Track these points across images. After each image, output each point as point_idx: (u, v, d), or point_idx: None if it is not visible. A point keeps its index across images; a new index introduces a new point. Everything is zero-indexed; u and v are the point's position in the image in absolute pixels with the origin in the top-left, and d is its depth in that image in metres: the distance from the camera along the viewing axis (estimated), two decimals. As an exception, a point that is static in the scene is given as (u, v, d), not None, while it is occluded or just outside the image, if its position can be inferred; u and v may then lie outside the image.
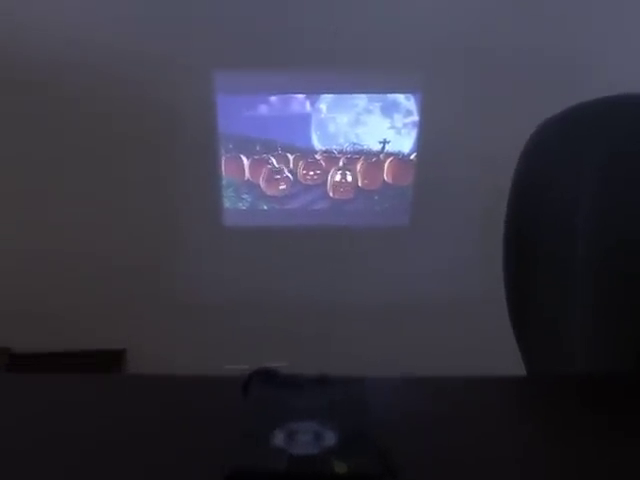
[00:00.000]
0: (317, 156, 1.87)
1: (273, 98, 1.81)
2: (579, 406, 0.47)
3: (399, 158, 1.89)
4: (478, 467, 0.40)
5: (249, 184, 1.88)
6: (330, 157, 1.87)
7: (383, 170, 1.90)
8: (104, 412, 0.46)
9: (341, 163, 1.88)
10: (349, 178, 1.90)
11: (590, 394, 0.50)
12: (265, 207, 1.91)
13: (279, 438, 0.35)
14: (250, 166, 1.86)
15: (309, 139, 1.85)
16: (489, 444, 0.42)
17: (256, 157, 1.85)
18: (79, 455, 0.40)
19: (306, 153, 1.86)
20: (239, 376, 0.48)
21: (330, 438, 0.35)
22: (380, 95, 1.84)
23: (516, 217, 0.91)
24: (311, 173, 1.88)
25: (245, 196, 1.89)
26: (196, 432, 0.43)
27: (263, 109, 1.82)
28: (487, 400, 0.49)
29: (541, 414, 0.47)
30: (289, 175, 1.88)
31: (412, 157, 1.88)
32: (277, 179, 1.88)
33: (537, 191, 0.89)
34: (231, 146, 1.84)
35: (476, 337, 1.84)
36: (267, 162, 1.86)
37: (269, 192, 1.90)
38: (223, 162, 1.85)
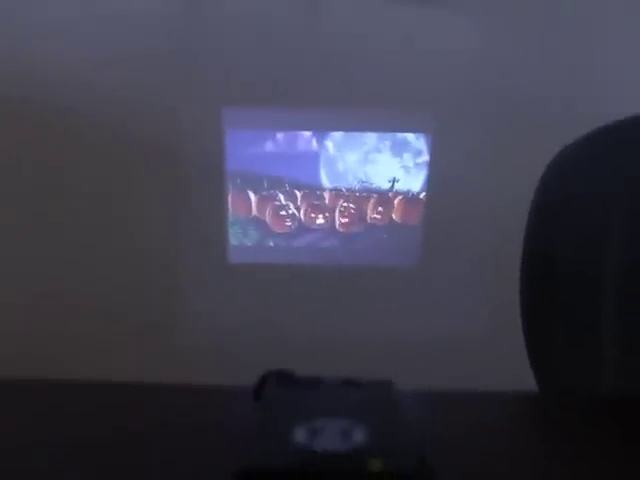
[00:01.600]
0: (325, 194, 1.84)
1: (280, 135, 1.80)
2: (608, 426, 0.44)
3: (408, 197, 1.86)
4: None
5: (256, 221, 1.85)
6: (338, 195, 1.84)
7: (392, 208, 1.86)
8: (104, 420, 0.41)
9: (349, 201, 1.85)
10: (357, 216, 1.86)
11: (619, 414, 0.46)
12: (272, 244, 1.87)
13: (301, 435, 0.30)
14: (257, 203, 1.83)
15: (317, 177, 1.83)
16: (510, 462, 0.39)
17: (264, 194, 1.83)
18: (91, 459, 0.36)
19: (314, 190, 1.84)
20: (247, 386, 0.44)
21: (360, 435, 0.29)
22: (390, 134, 1.82)
23: (536, 240, 0.88)
24: (319, 211, 1.85)
25: (252, 232, 1.86)
26: (201, 438, 0.38)
27: (270, 146, 1.80)
28: (502, 418, 0.48)
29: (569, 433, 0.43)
30: (296, 212, 1.85)
31: (421, 196, 1.85)
32: (284, 216, 1.85)
33: (561, 214, 0.86)
34: (239, 182, 1.81)
35: (478, 377, 1.77)
36: (274, 199, 1.83)
37: (276, 229, 1.86)
38: (230, 198, 1.82)
